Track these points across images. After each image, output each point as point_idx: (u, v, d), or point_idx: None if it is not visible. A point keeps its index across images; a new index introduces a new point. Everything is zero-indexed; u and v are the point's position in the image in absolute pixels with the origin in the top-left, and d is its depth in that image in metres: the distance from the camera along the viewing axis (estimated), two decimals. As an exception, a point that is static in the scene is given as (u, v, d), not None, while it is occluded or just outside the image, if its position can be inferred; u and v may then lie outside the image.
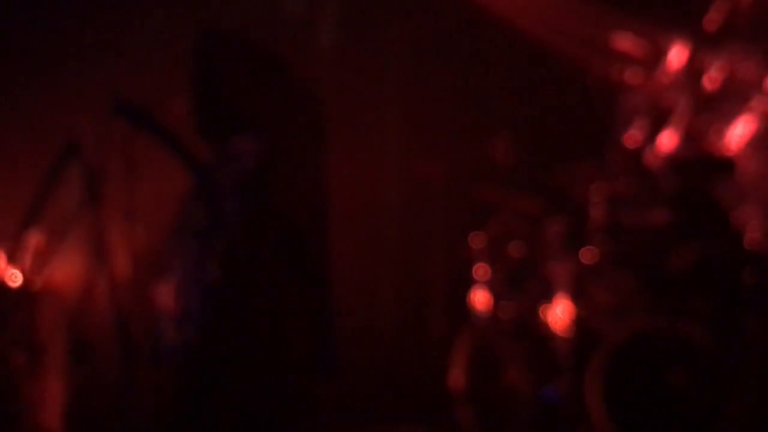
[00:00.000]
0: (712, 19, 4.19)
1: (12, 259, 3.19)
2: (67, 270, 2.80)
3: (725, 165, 4.05)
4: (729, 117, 4.11)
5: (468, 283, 4.43)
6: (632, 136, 4.33)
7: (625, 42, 4.37)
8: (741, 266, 3.84)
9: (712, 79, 4.16)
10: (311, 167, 2.60)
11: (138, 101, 2.42)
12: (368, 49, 4.96)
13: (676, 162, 4.11)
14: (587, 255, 4.14)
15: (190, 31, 2.56)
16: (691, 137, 4.17)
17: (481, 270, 4.43)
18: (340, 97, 4.34)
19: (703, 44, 4.20)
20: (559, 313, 4.06)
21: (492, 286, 4.38)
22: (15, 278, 3.23)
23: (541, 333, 4.14)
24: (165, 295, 2.43)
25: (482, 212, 4.51)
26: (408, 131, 5.01)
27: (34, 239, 2.98)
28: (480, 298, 4.39)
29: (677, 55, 4.23)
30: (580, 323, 4.02)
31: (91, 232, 2.41)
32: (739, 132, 4.06)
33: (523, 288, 4.33)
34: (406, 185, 5.01)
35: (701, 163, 4.10)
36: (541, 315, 4.17)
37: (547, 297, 4.14)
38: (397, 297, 5.01)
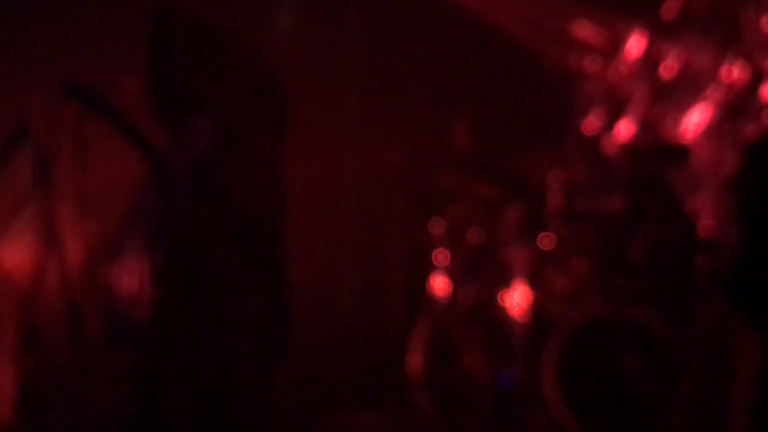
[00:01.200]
0: (670, 9, 4.22)
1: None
2: (17, 254, 2.76)
3: (680, 153, 4.09)
4: (685, 105, 4.15)
5: (427, 268, 4.44)
6: (590, 124, 4.36)
7: (583, 30, 4.39)
8: (694, 253, 3.89)
9: (668, 67, 4.20)
10: (268, 152, 2.59)
11: (89, 83, 2.39)
12: (327, 34, 4.93)
13: (632, 150, 4.15)
14: (545, 241, 4.17)
15: (145, 12, 2.52)
16: (647, 125, 4.21)
17: (440, 256, 4.44)
18: (299, 82, 4.31)
19: (660, 33, 4.23)
20: (517, 298, 4.09)
21: (451, 272, 4.40)
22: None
23: (498, 318, 4.17)
24: (117, 278, 2.41)
25: (441, 198, 4.52)
26: (367, 117, 5.00)
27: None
28: (439, 284, 4.41)
29: (635, 44, 4.26)
30: (537, 308, 4.06)
31: (42, 215, 2.38)
32: (694, 120, 4.10)
33: (482, 273, 4.35)
34: (365, 171, 5.01)
35: (657, 151, 4.15)
36: (498, 300, 4.19)
37: (505, 282, 4.16)
38: (356, 282, 5.01)
